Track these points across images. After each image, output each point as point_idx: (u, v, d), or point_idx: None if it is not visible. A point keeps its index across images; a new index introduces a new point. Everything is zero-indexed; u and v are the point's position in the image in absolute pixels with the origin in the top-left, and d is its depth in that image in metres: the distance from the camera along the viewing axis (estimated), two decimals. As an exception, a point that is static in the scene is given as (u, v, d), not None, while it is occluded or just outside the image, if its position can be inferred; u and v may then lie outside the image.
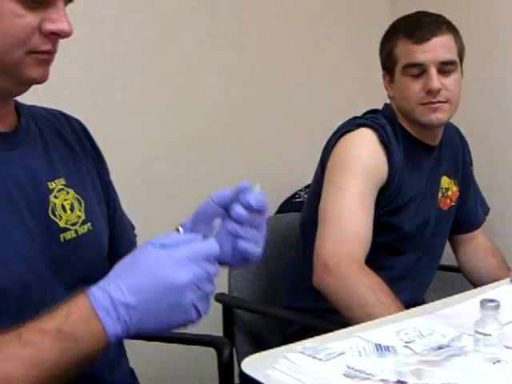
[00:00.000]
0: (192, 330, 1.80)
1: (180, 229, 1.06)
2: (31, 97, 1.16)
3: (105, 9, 2.22)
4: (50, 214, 1.12)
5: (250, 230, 1.04)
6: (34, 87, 1.11)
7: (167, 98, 2.40)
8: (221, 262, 1.00)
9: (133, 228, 1.40)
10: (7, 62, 1.03)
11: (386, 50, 1.81)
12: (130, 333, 0.92)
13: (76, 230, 1.15)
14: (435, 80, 1.72)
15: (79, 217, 1.16)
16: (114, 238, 1.28)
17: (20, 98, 1.17)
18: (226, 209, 1.05)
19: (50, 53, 1.07)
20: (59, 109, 1.29)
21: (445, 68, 1.75)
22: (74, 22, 1.07)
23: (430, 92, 1.73)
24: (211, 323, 2.04)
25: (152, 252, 0.93)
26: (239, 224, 1.03)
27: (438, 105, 1.74)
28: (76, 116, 1.31)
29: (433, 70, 1.73)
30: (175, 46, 2.40)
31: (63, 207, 1.14)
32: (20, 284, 1.04)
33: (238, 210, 1.02)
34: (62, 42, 1.09)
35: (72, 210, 1.16)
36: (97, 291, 0.92)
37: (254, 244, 1.05)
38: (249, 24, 2.59)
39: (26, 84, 1.09)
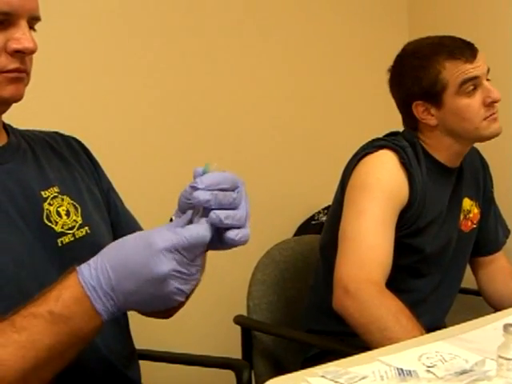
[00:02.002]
0: (211, 352, 1.82)
1: (173, 218, 1.04)
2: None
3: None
4: (46, 221, 1.15)
5: (233, 211, 0.96)
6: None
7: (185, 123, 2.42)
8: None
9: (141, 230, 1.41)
10: None
11: (428, 78, 1.75)
12: (121, 309, 0.96)
13: (74, 234, 1.18)
14: (495, 90, 1.73)
15: (76, 221, 1.20)
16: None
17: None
18: None
19: (19, 71, 1.10)
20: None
21: (487, 78, 1.77)
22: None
23: (492, 103, 1.74)
24: (230, 346, 2.05)
25: (140, 239, 0.94)
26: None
27: (497, 115, 1.76)
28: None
29: (487, 82, 1.74)
30: (182, 52, 2.41)
31: (58, 213, 1.17)
32: (18, 287, 1.06)
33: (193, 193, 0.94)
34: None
35: (68, 215, 1.19)
36: (86, 270, 0.94)
37: (237, 228, 0.97)
38: (270, 49, 2.61)
39: (0, 104, 1.12)
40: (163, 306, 0.96)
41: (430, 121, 1.78)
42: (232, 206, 0.96)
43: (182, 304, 1.22)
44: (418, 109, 1.79)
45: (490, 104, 1.74)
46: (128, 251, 0.94)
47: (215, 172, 0.97)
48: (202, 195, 0.94)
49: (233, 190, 0.97)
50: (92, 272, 0.94)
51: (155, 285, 0.92)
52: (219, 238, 0.97)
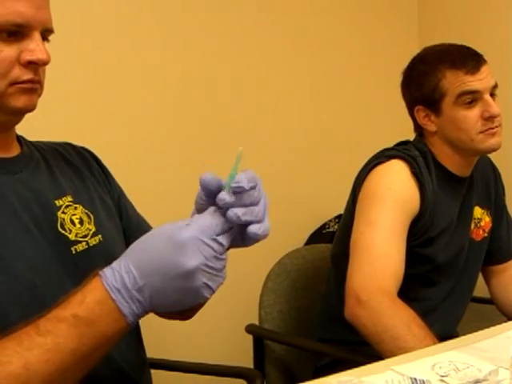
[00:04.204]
0: (222, 361, 1.82)
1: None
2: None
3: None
4: (60, 229, 1.15)
5: (250, 207, 0.96)
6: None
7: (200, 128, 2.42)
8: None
9: None
10: None
11: (429, 85, 1.76)
12: (147, 310, 0.95)
13: (87, 242, 1.18)
14: (494, 105, 1.73)
15: (89, 229, 1.20)
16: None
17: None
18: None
19: (33, 81, 1.10)
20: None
21: (493, 92, 1.76)
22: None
23: (490, 118, 1.73)
24: (241, 355, 2.05)
25: (161, 234, 0.95)
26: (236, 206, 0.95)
27: (496, 129, 1.74)
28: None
29: (488, 97, 1.73)
30: (195, 57, 2.42)
31: (72, 221, 1.18)
32: (33, 293, 1.06)
33: (222, 196, 0.94)
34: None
35: (81, 223, 1.19)
36: (109, 273, 0.94)
37: (257, 222, 0.97)
38: (278, 58, 2.62)
39: (13, 114, 1.13)
40: (189, 304, 0.95)
41: (429, 127, 1.80)
42: (253, 204, 0.97)
43: (202, 304, 1.22)
44: (420, 114, 1.81)
45: (488, 118, 1.73)
46: (151, 248, 0.94)
47: (240, 174, 0.97)
48: (227, 197, 0.94)
49: (254, 188, 0.97)
50: (116, 274, 0.94)
51: (183, 280, 0.92)
52: (241, 236, 0.98)
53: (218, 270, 0.94)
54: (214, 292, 0.95)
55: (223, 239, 0.95)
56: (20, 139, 1.23)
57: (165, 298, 0.94)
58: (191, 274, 0.92)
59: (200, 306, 1.24)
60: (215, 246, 0.93)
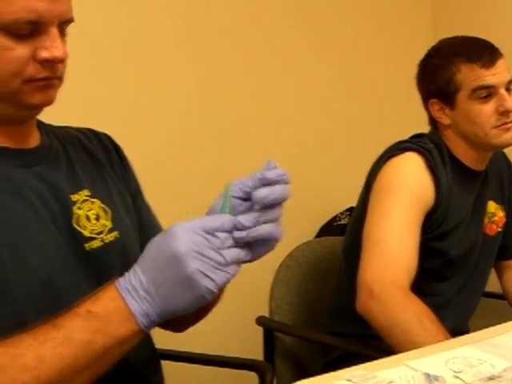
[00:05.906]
0: (232, 353, 1.81)
1: None
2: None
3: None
4: (75, 225, 1.14)
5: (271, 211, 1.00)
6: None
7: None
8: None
9: None
10: (6, 92, 1.05)
11: (444, 78, 1.75)
12: (157, 312, 0.96)
13: (102, 239, 1.17)
14: (510, 100, 1.72)
15: (105, 226, 1.18)
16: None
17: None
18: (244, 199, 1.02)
19: (49, 79, 1.07)
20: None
21: (508, 87, 1.75)
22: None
23: (505, 113, 1.71)
24: (251, 347, 2.04)
25: (161, 234, 0.98)
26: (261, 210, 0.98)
27: (511, 124, 1.73)
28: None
29: (503, 91, 1.72)
30: (201, 59, 2.41)
31: (87, 217, 1.16)
32: (49, 289, 1.06)
33: (262, 193, 0.99)
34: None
35: (97, 219, 1.18)
36: (122, 278, 0.98)
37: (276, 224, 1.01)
38: (289, 53, 2.61)
39: (30, 109, 1.11)
40: (193, 300, 0.95)
41: (443, 120, 1.79)
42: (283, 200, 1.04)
43: (196, 319, 1.28)
44: (434, 107, 1.80)
45: (503, 113, 1.72)
46: (151, 246, 0.97)
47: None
48: (265, 191, 1.00)
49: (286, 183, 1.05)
50: (126, 277, 0.97)
51: (176, 266, 0.93)
52: (250, 248, 1.00)
53: (218, 262, 0.94)
54: (218, 286, 0.95)
55: (223, 235, 0.95)
56: (41, 127, 1.20)
57: (168, 294, 0.95)
58: (181, 258, 0.93)
59: (196, 319, 1.29)
60: (209, 237, 0.94)
